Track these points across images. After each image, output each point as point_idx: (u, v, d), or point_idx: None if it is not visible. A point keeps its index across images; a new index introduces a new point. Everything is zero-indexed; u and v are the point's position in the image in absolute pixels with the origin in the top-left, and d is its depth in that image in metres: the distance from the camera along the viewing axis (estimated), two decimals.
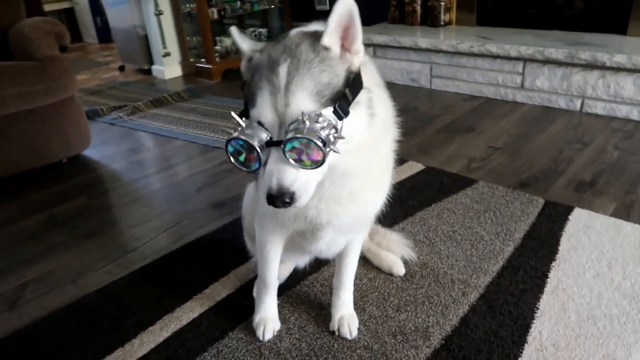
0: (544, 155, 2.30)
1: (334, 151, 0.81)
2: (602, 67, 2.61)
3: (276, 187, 0.80)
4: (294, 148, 0.79)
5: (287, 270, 1.54)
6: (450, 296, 1.43)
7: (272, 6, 4.42)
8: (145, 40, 4.20)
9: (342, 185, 0.97)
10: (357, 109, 0.85)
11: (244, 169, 0.86)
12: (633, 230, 1.66)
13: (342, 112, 0.81)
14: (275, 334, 1.32)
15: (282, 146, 0.79)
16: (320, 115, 0.78)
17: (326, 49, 0.82)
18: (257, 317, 1.33)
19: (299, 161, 0.80)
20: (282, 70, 0.80)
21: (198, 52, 4.19)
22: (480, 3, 3.41)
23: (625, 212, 1.79)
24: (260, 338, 1.30)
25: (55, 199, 2.20)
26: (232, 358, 1.26)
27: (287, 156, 0.79)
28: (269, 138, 0.82)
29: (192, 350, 1.29)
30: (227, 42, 4.19)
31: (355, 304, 1.39)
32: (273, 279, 1.30)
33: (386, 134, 1.00)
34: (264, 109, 0.81)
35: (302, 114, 0.78)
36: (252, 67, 0.86)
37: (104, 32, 5.88)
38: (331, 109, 0.80)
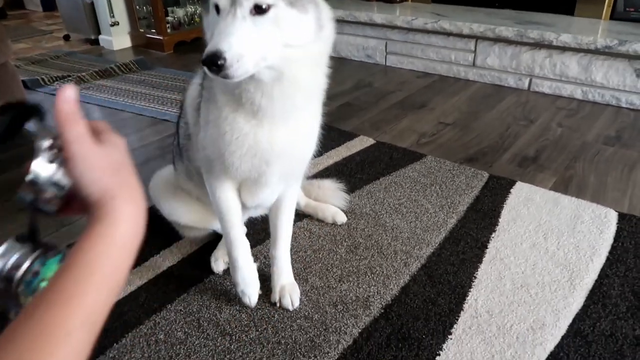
0: (492, 131, 2.35)
1: None
2: (550, 46, 2.67)
3: (211, 50, 0.83)
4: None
5: None
6: (392, 267, 1.44)
7: None
8: (92, 9, 3.99)
9: (287, 100, 1.00)
10: (305, 13, 0.91)
11: None
12: (569, 203, 1.72)
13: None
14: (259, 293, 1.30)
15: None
16: None
17: None
18: (239, 279, 1.26)
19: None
20: None
21: (148, 22, 4.03)
22: None
23: (564, 186, 1.86)
24: (248, 304, 1.28)
25: None
26: (170, 330, 1.23)
27: (252, 30, 0.85)
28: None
29: (129, 323, 1.26)
30: (179, 12, 4.04)
31: (298, 275, 1.39)
32: (239, 233, 1.24)
33: (325, 58, 1.05)
34: None
35: None
36: None
37: (49, 0, 5.56)
38: None
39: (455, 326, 1.22)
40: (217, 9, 0.87)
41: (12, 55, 2.31)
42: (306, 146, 1.15)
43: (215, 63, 0.82)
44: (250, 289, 1.26)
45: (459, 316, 1.25)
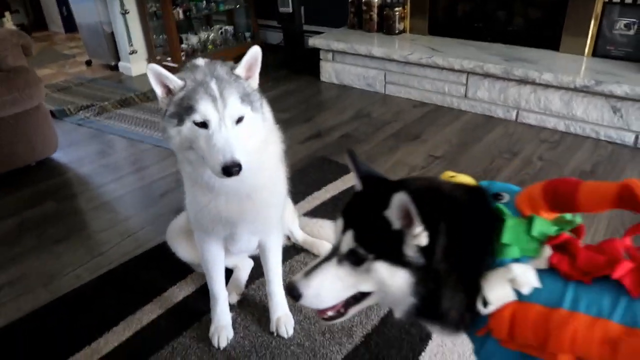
0: (477, 164, 2.57)
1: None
2: (533, 83, 2.89)
3: (234, 161, 1.08)
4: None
5: (244, 276, 1.78)
6: None
7: (238, 6, 4.55)
8: (112, 37, 4.28)
9: (241, 181, 1.22)
10: (258, 112, 1.20)
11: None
12: None
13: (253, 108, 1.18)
14: (229, 342, 1.52)
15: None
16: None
17: (237, 75, 1.17)
18: (212, 327, 1.54)
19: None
20: (213, 85, 1.11)
21: (165, 49, 4.30)
22: (432, 15, 3.63)
23: None
24: (216, 346, 1.50)
25: (25, 204, 2.36)
26: (185, 354, 1.48)
27: (239, 136, 1.12)
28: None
29: (151, 348, 1.51)
30: (193, 40, 4.32)
31: (293, 305, 1.63)
32: (220, 290, 1.52)
33: (272, 135, 1.31)
34: (209, 111, 1.10)
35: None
36: (187, 90, 1.13)
37: (70, 22, 5.86)
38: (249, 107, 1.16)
39: (422, 354, 1.45)
40: (200, 124, 1.11)
41: (42, 97, 2.58)
42: (266, 210, 1.37)
43: (236, 172, 1.08)
44: (221, 336, 1.51)
45: (427, 344, 1.48)
